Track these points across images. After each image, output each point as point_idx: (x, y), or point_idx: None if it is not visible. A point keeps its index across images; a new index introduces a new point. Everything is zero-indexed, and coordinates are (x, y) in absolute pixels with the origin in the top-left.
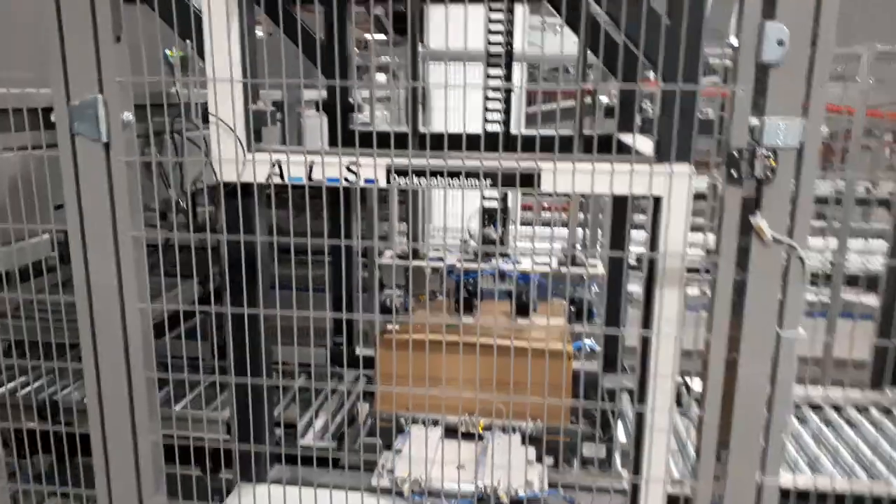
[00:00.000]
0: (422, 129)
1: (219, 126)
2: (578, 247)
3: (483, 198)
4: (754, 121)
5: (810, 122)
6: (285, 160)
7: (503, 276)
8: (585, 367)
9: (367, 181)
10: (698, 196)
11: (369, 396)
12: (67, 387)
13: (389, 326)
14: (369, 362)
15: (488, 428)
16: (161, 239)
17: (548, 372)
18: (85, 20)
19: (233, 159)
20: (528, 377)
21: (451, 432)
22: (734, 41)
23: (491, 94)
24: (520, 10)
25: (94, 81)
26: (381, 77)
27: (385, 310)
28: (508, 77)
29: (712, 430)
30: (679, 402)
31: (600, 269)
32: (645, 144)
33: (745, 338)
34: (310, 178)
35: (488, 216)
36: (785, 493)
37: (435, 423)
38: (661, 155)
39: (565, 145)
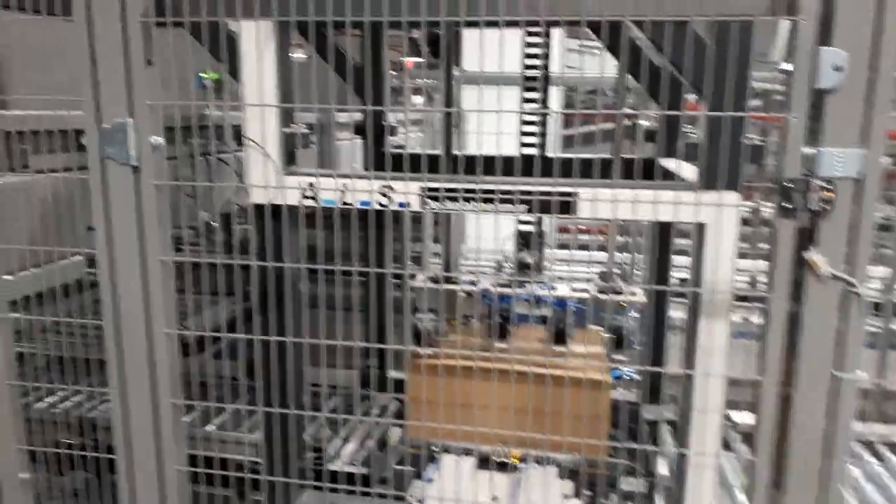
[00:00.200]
0: (456, 151)
1: (253, 149)
2: (617, 271)
3: (519, 221)
4: (809, 150)
5: (871, 152)
6: (318, 183)
7: (539, 301)
8: (624, 397)
9: (400, 205)
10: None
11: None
12: (104, 402)
13: (421, 350)
14: (401, 385)
15: (523, 459)
16: (189, 261)
17: (585, 402)
18: (116, 44)
19: (266, 182)
20: (564, 406)
21: (484, 462)
22: (787, 66)
23: (527, 116)
24: (557, 33)
25: (124, 105)
26: (416, 99)
27: (417, 333)
28: (545, 100)
29: (764, 471)
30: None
31: (640, 296)
32: (686, 170)
33: (801, 377)
34: (343, 202)
35: (524, 240)
36: None
37: (467, 452)
38: (706, 181)
39: (603, 169)
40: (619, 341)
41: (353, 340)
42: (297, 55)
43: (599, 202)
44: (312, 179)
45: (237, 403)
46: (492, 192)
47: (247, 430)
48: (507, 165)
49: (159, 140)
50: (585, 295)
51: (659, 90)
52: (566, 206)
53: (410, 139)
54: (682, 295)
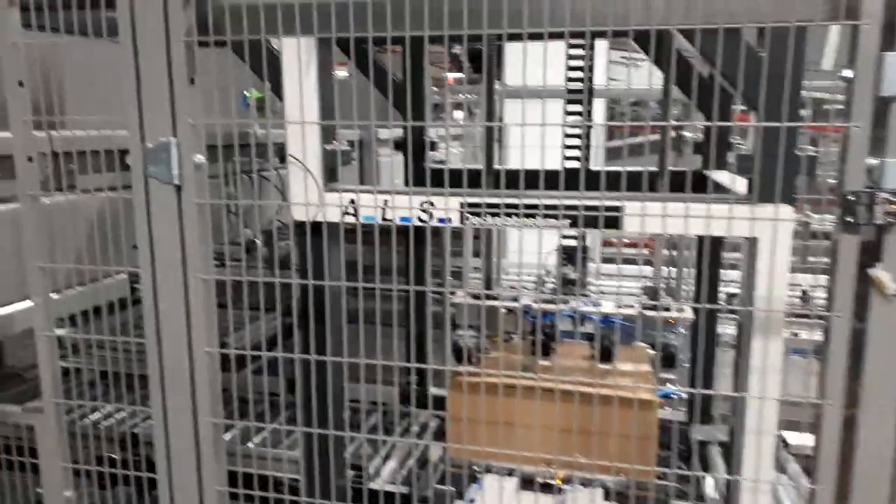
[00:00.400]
0: (497, 166)
1: (295, 166)
2: (663, 285)
3: (562, 236)
4: (873, 161)
5: None
6: (358, 199)
7: (583, 318)
8: (671, 417)
9: (440, 220)
10: None
11: (443, 439)
12: (147, 419)
13: (462, 368)
14: (442, 402)
15: (568, 480)
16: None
17: (634, 422)
18: (160, 64)
19: (308, 199)
20: (611, 427)
21: (527, 483)
22: (847, 73)
23: (570, 129)
24: (601, 46)
25: (167, 124)
26: (457, 115)
27: (457, 350)
28: (590, 112)
29: (827, 499)
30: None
31: (689, 312)
32: (732, 181)
33: (866, 399)
34: (383, 218)
35: (567, 254)
36: None
37: (510, 472)
38: (760, 194)
39: (649, 182)
40: (666, 359)
41: (393, 356)
42: (339, 73)
43: (646, 216)
44: (353, 196)
45: (278, 419)
46: (534, 206)
47: (287, 447)
48: (550, 179)
49: (201, 159)
50: (632, 311)
51: (706, 101)
52: (611, 221)
53: (451, 154)
54: (732, 311)
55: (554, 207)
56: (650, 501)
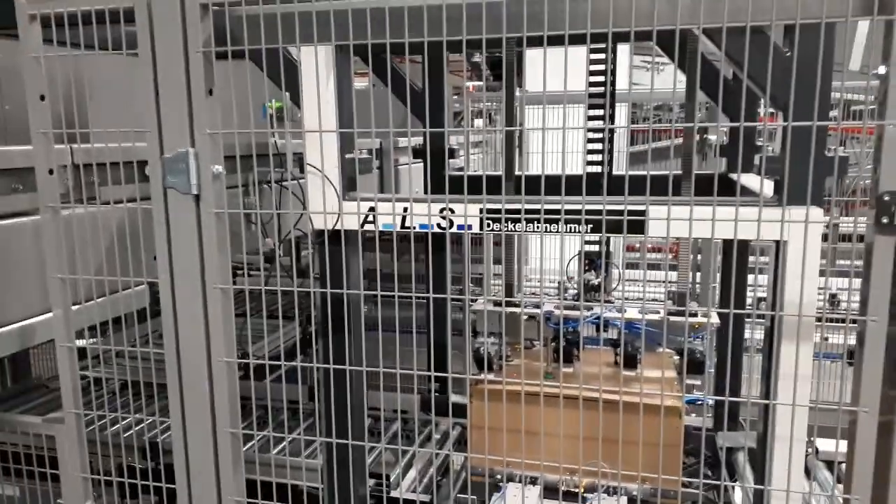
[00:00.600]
0: (518, 171)
1: (314, 175)
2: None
3: (584, 241)
4: None
5: None
6: (378, 207)
7: (606, 324)
8: (698, 423)
9: (459, 227)
10: None
11: (464, 447)
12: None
13: (483, 376)
14: (463, 409)
15: (592, 489)
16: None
17: (659, 429)
18: (178, 75)
19: (328, 208)
20: (635, 434)
21: (551, 491)
22: (881, 70)
23: (592, 134)
24: (623, 50)
25: (186, 135)
26: (477, 122)
27: (478, 358)
28: (612, 117)
29: None
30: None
31: (715, 318)
32: (758, 184)
33: None
34: (402, 226)
35: (589, 260)
36: None
37: (533, 481)
38: (788, 196)
39: (673, 186)
40: (691, 365)
41: (414, 363)
42: (358, 83)
43: (670, 220)
44: (372, 204)
45: (299, 427)
46: (555, 212)
47: (308, 455)
48: (571, 184)
49: (220, 169)
50: (656, 316)
51: (731, 103)
52: (635, 225)
53: (471, 161)
54: (760, 316)
55: (576, 213)
56: None
